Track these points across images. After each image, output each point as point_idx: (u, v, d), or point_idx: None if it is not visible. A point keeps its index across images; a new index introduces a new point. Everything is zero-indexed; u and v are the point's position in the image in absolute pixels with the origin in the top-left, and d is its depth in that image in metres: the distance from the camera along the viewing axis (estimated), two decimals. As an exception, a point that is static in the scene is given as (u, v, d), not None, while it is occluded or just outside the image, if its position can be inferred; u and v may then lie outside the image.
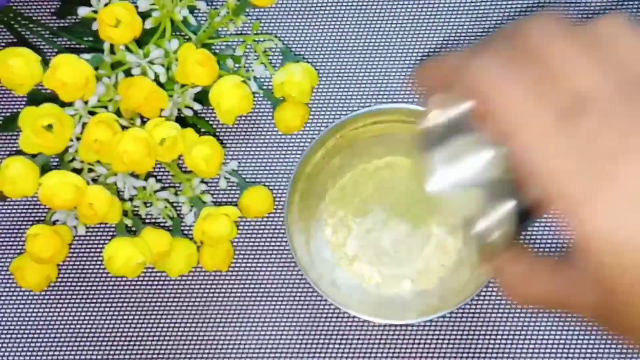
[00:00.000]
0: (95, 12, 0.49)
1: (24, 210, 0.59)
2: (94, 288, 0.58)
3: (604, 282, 0.26)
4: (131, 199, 0.56)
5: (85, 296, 0.58)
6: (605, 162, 0.26)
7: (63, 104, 0.49)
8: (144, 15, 0.50)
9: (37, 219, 0.59)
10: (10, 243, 0.59)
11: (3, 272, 0.58)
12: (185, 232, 0.58)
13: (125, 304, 0.58)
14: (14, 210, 0.59)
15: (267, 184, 0.59)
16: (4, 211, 0.59)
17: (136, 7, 0.49)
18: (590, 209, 0.26)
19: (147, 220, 0.58)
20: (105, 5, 0.49)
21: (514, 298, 0.32)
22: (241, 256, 0.58)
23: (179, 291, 0.58)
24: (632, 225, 0.25)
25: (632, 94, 0.26)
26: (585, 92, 0.26)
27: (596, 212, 0.26)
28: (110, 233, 0.59)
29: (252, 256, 0.58)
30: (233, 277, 0.58)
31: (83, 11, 0.50)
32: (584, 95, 0.26)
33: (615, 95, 0.26)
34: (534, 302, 0.31)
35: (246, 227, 0.58)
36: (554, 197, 0.27)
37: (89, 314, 0.58)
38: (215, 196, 0.59)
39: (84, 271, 0.58)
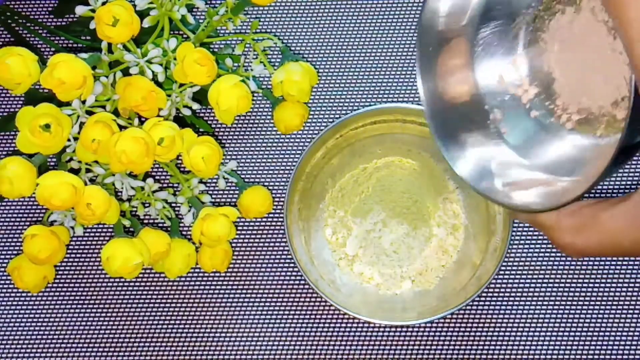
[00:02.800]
0: (92, 10, 0.49)
1: (21, 211, 0.59)
2: (91, 289, 0.58)
3: None
4: (129, 200, 0.55)
5: (83, 297, 0.58)
6: None
7: (60, 104, 0.49)
8: (142, 14, 0.50)
9: (34, 219, 0.59)
10: (8, 244, 0.59)
11: (0, 273, 0.58)
12: (184, 232, 0.57)
13: (123, 305, 0.57)
14: (11, 211, 0.59)
15: (266, 184, 0.59)
16: (0, 212, 0.59)
17: (134, 5, 0.49)
18: None
19: (146, 221, 0.57)
20: (103, 4, 0.49)
21: (571, 252, 0.29)
22: (240, 257, 0.58)
23: (178, 292, 0.58)
24: None
25: None
26: None
27: None
28: (108, 234, 0.59)
29: (251, 257, 0.58)
30: (232, 278, 0.58)
31: (81, 10, 0.50)
32: None
33: None
34: (596, 250, 0.29)
35: (245, 228, 0.58)
36: None
37: (86, 315, 0.57)
38: (214, 196, 0.58)
39: (82, 272, 0.58)
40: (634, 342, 0.56)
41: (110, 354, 0.57)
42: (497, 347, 0.56)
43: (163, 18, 0.52)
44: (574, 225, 0.29)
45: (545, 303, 0.57)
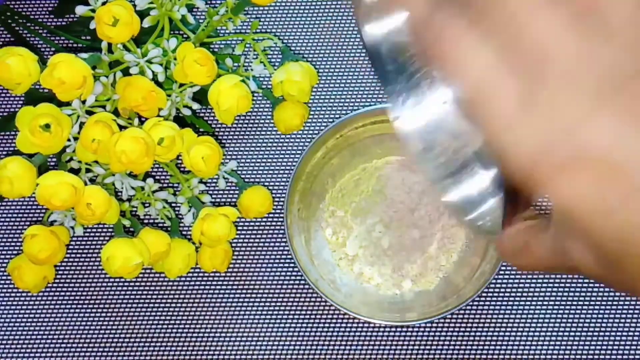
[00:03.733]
0: (93, 10, 0.49)
1: (21, 211, 0.59)
2: (91, 289, 0.58)
3: (595, 246, 0.25)
4: (129, 200, 0.55)
5: (83, 297, 0.58)
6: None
7: (60, 104, 0.49)
8: (142, 14, 0.50)
9: (34, 219, 0.59)
10: (8, 244, 0.59)
11: (0, 273, 0.58)
12: (184, 232, 0.57)
13: (123, 305, 0.57)
14: (11, 211, 0.59)
15: (266, 184, 0.59)
16: (0, 212, 0.59)
17: (134, 5, 0.49)
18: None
19: (146, 221, 0.57)
20: (103, 3, 0.49)
21: (519, 269, 0.31)
22: (240, 257, 0.58)
23: (178, 292, 0.58)
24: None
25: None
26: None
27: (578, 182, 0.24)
28: (108, 234, 0.59)
29: (251, 257, 0.58)
30: (232, 278, 0.58)
31: (81, 10, 0.50)
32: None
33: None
34: (538, 269, 0.30)
35: (245, 228, 0.58)
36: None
37: (86, 315, 0.57)
38: (214, 196, 0.58)
39: (82, 272, 0.58)
40: (634, 342, 0.56)
41: (110, 354, 0.57)
42: (497, 347, 0.56)
43: (163, 18, 0.52)
44: (511, 250, 0.31)
45: (545, 303, 0.57)
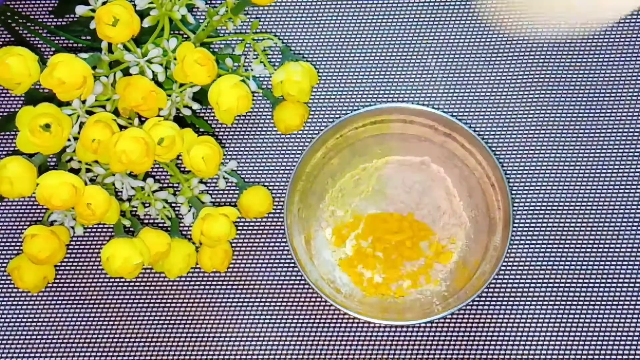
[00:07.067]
0: (93, 10, 0.49)
1: (21, 211, 0.59)
2: (91, 289, 0.58)
3: None
4: (129, 199, 0.55)
5: (83, 297, 0.58)
6: None
7: (61, 104, 0.49)
8: (142, 14, 0.50)
9: (34, 219, 0.59)
10: (8, 244, 0.59)
11: (0, 273, 0.58)
12: (184, 232, 0.57)
13: (123, 305, 0.57)
14: (11, 211, 0.59)
15: (266, 184, 0.59)
16: (0, 212, 0.59)
17: (134, 5, 0.49)
18: None
19: (146, 221, 0.57)
20: (103, 3, 0.49)
21: None
22: (240, 257, 0.58)
23: (178, 292, 0.58)
24: None
25: None
26: None
27: None
28: (109, 234, 0.59)
29: (251, 257, 0.58)
30: (232, 278, 0.58)
31: (81, 10, 0.50)
32: None
33: None
34: None
35: (245, 228, 0.58)
36: None
37: (86, 315, 0.57)
38: (214, 196, 0.58)
39: (82, 272, 0.58)
40: (634, 342, 0.56)
41: (110, 354, 0.57)
42: (497, 347, 0.56)
43: (163, 18, 0.52)
44: None
45: (545, 303, 0.57)
